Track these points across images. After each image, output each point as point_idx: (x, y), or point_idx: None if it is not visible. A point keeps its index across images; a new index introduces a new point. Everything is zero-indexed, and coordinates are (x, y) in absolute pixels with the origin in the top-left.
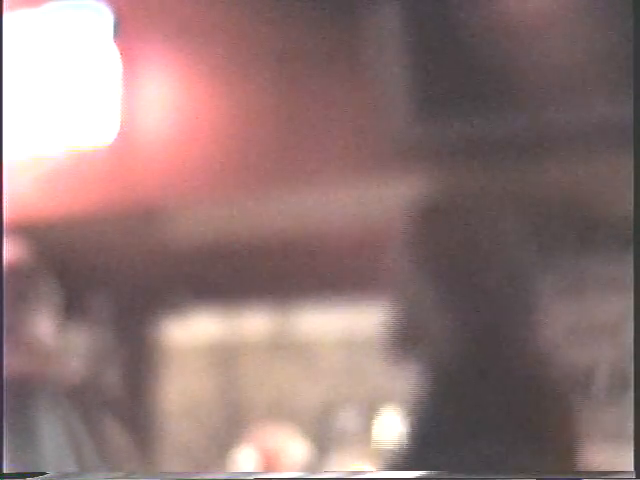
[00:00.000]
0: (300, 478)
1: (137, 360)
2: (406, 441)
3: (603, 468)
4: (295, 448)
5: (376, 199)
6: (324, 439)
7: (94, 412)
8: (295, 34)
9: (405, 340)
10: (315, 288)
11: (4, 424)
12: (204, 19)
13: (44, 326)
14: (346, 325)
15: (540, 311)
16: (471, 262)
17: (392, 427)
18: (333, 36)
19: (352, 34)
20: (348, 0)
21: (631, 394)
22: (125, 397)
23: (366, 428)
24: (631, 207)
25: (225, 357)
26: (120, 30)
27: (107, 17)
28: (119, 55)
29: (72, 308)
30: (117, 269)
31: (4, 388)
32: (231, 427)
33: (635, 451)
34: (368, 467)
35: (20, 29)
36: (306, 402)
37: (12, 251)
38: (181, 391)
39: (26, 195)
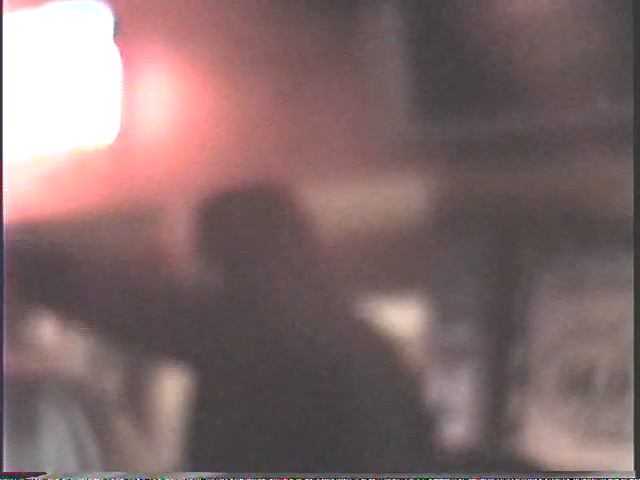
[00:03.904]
0: (300, 478)
1: (137, 359)
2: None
3: (603, 468)
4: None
5: (375, 199)
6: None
7: (94, 411)
8: (295, 34)
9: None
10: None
11: (4, 424)
12: (204, 19)
13: (44, 325)
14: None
15: (540, 310)
16: (471, 262)
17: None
18: (333, 36)
19: (352, 34)
20: (348, 0)
21: (631, 394)
22: (125, 396)
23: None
24: (631, 207)
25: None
26: (120, 30)
27: (107, 17)
28: (119, 55)
29: (72, 307)
30: (117, 268)
31: (4, 388)
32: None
33: (635, 451)
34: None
35: (20, 29)
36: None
37: (12, 250)
38: (181, 390)
39: (26, 195)
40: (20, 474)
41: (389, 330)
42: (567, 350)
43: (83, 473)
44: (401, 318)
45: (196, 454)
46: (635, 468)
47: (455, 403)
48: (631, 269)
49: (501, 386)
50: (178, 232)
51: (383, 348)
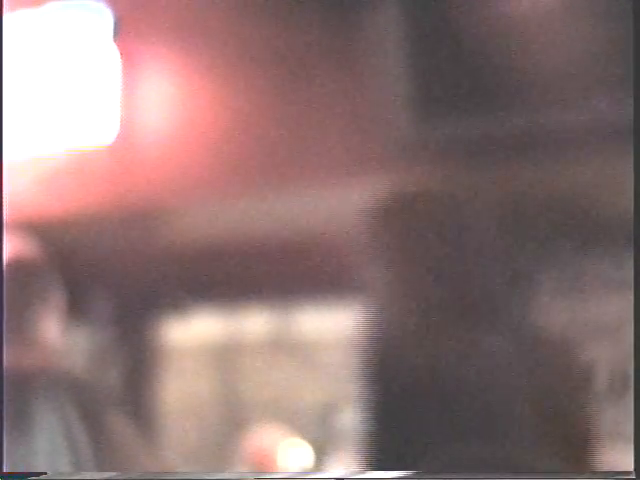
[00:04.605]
0: (300, 478)
1: (137, 359)
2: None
3: (603, 468)
4: (294, 448)
5: (375, 199)
6: (323, 439)
7: (94, 412)
8: (295, 34)
9: (403, 339)
10: (315, 288)
11: (4, 424)
12: (204, 19)
13: (44, 325)
14: (345, 325)
15: (539, 311)
16: (471, 262)
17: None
18: (333, 36)
19: (352, 34)
20: (348, 0)
21: (631, 394)
22: (125, 396)
23: (364, 428)
24: (631, 207)
25: (225, 357)
26: (120, 30)
27: (107, 17)
28: (119, 55)
29: (72, 308)
30: (117, 269)
31: (4, 387)
32: (230, 427)
33: (635, 451)
34: (367, 467)
35: (20, 29)
36: (305, 402)
37: (12, 251)
38: (181, 391)
39: (26, 195)
40: (20, 474)
41: None
42: (567, 350)
43: (84, 473)
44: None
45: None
46: (635, 468)
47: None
48: (631, 269)
49: (501, 386)
50: (178, 232)
51: None
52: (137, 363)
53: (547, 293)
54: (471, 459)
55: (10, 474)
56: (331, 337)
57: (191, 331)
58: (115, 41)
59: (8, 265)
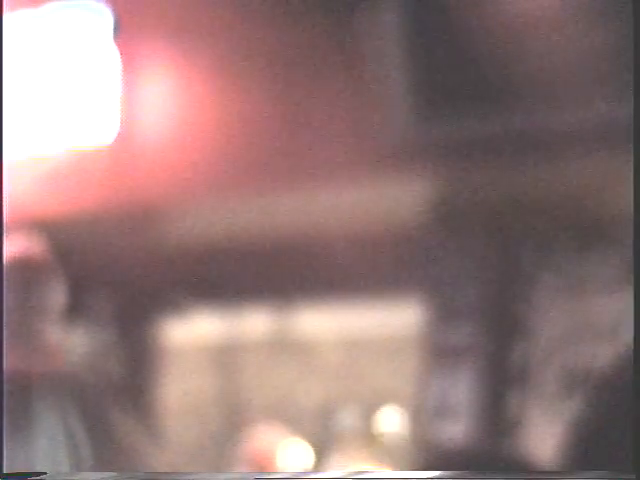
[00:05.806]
0: (300, 478)
1: (137, 359)
2: (406, 441)
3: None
4: (294, 448)
5: (375, 199)
6: (324, 439)
7: (94, 411)
8: (295, 34)
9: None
10: (315, 288)
11: (4, 424)
12: (204, 19)
13: (44, 325)
14: (346, 325)
15: (539, 311)
16: (470, 262)
17: (392, 427)
18: (333, 36)
19: (352, 34)
20: (348, 0)
21: (630, 394)
22: (125, 397)
23: (366, 428)
24: (631, 207)
25: (225, 357)
26: (120, 30)
27: (107, 17)
28: (119, 55)
29: (72, 307)
30: (117, 269)
31: (4, 387)
32: (231, 427)
33: (635, 451)
34: (368, 467)
35: (20, 29)
36: (306, 402)
37: (13, 250)
38: (181, 391)
39: (26, 195)
40: (20, 474)
41: None
42: (567, 350)
43: (84, 474)
44: (401, 318)
45: None
46: (635, 468)
47: (454, 403)
48: (631, 269)
49: (501, 386)
50: (178, 232)
51: None
52: (137, 363)
53: (547, 293)
54: (476, 458)
55: (10, 474)
56: (331, 337)
57: (191, 331)
58: (115, 41)
59: (8, 265)
